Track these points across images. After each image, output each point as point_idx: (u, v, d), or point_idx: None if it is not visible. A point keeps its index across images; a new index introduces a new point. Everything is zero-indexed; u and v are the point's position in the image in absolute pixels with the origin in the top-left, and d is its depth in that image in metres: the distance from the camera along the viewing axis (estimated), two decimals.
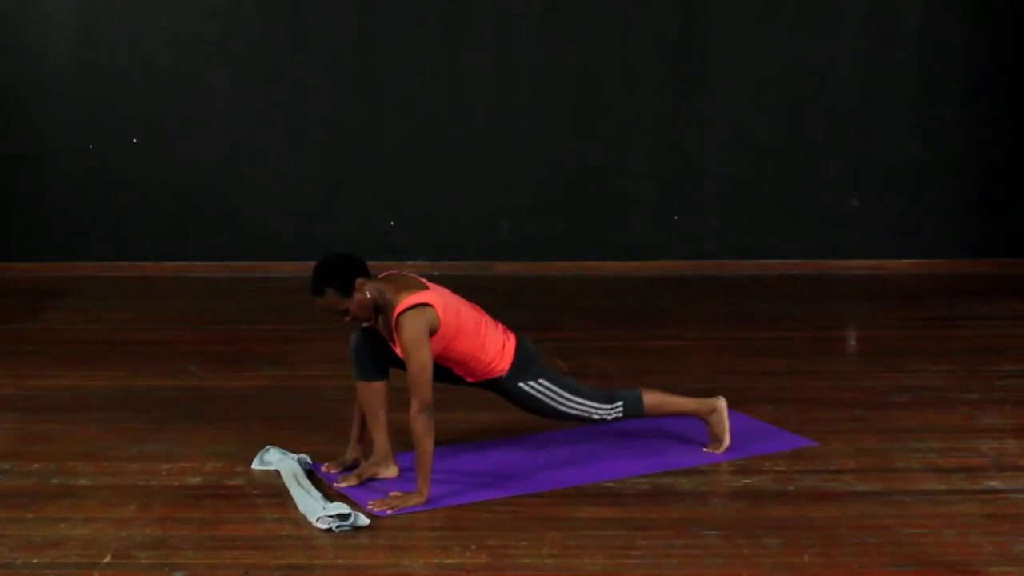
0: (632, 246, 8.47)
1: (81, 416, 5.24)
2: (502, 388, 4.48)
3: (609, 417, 4.56)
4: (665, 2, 8.34)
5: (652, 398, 4.61)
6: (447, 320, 4.25)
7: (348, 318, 4.26)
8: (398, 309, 4.20)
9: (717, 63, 8.36)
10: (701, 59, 8.38)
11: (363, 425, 4.51)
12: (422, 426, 4.13)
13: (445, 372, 4.44)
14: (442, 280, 4.60)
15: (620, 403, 4.56)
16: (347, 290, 4.19)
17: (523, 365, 4.45)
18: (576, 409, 4.52)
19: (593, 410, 4.53)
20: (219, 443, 4.84)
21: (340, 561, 3.77)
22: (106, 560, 3.78)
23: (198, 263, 8.39)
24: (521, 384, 4.45)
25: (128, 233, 8.41)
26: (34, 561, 3.78)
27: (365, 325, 4.38)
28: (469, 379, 4.48)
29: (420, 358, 4.15)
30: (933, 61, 8.34)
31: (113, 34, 8.30)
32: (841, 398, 5.43)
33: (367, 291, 4.21)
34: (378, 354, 4.38)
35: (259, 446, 4.64)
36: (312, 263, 4.30)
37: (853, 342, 6.83)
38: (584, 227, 8.46)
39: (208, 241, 8.43)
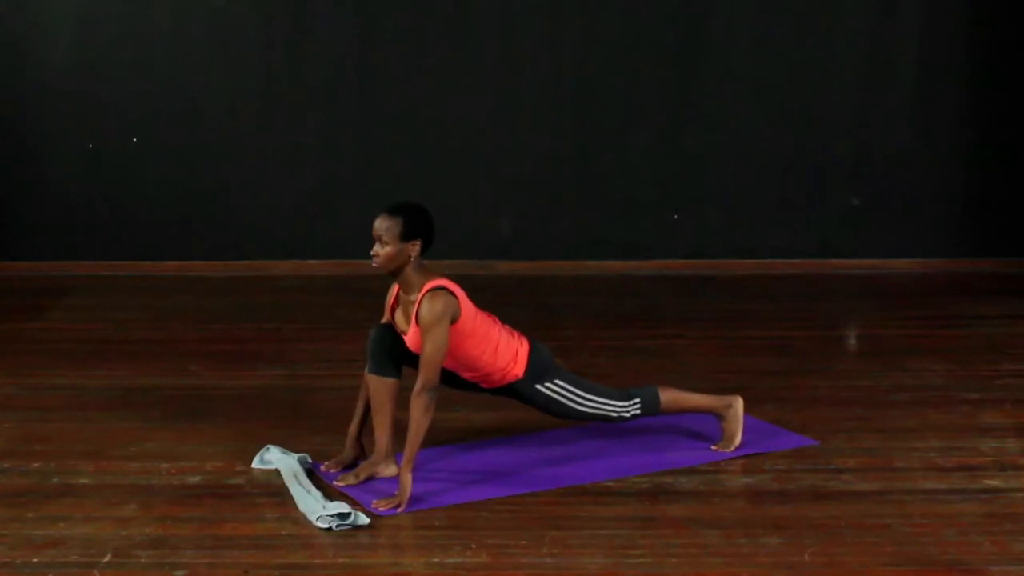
0: (632, 245, 8.46)
1: (81, 416, 5.24)
2: (519, 392, 4.49)
3: (627, 414, 4.57)
4: (665, 2, 8.34)
5: (668, 395, 4.63)
6: (467, 313, 4.27)
7: (377, 258, 4.26)
8: (425, 288, 4.23)
9: (717, 63, 8.36)
10: (701, 59, 8.38)
11: (362, 423, 4.52)
12: (423, 404, 4.14)
13: (460, 380, 4.47)
14: None
15: (637, 400, 4.58)
16: (406, 235, 4.23)
17: (538, 369, 4.46)
18: (594, 408, 4.53)
19: (610, 408, 4.55)
20: (219, 443, 4.84)
21: (340, 560, 3.77)
22: (106, 559, 3.77)
23: (198, 263, 8.38)
24: (538, 386, 4.47)
25: (128, 233, 8.41)
26: (34, 560, 3.77)
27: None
28: (484, 385, 4.50)
29: (437, 338, 4.17)
30: (933, 61, 8.34)
31: (113, 34, 8.31)
32: (841, 398, 5.43)
33: (412, 254, 4.25)
34: (396, 351, 4.38)
35: (259, 446, 4.64)
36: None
37: (853, 341, 6.83)
38: (584, 226, 8.46)
39: (208, 241, 8.43)
